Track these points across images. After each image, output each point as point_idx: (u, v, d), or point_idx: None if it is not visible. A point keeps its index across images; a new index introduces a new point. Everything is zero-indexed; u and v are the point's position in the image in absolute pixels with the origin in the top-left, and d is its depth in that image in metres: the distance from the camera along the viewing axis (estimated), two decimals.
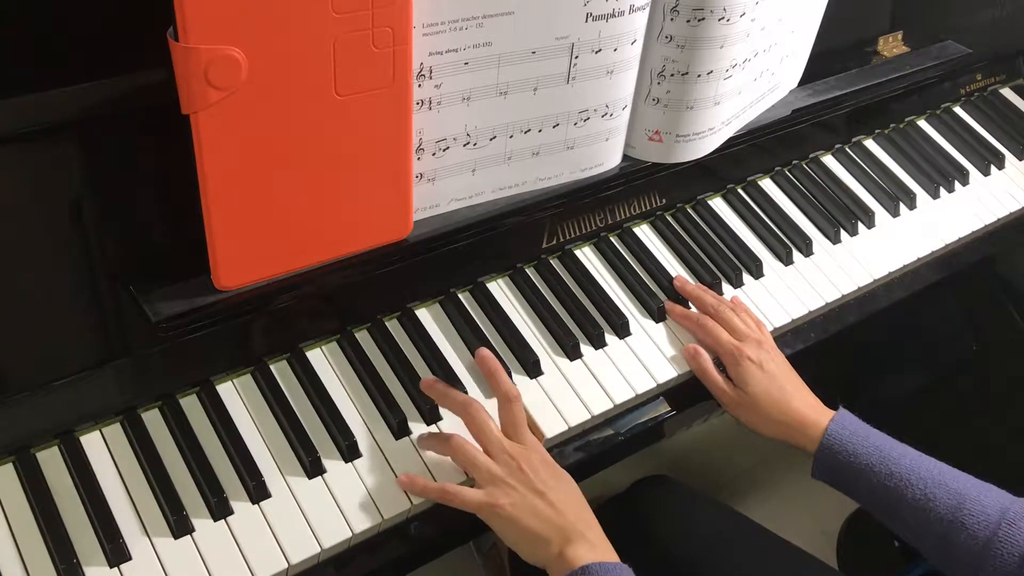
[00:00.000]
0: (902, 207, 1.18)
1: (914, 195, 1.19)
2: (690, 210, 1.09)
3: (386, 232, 0.84)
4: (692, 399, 0.95)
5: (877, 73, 1.17)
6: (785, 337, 1.02)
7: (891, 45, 1.22)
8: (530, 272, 0.97)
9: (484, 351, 0.86)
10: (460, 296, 0.93)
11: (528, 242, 0.97)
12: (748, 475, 1.62)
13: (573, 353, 0.92)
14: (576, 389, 0.90)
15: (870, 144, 1.25)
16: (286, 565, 0.74)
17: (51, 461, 0.75)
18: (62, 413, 0.76)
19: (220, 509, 0.75)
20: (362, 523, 0.77)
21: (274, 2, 0.65)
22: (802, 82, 1.12)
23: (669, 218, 1.07)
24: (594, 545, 0.75)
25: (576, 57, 0.84)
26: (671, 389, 0.94)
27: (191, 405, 0.81)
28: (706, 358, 0.93)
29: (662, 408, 0.93)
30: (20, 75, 0.66)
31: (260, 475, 0.77)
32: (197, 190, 0.71)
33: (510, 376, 0.88)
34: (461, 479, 0.80)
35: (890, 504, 0.83)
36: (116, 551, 0.71)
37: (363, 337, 0.88)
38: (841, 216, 1.13)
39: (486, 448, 0.79)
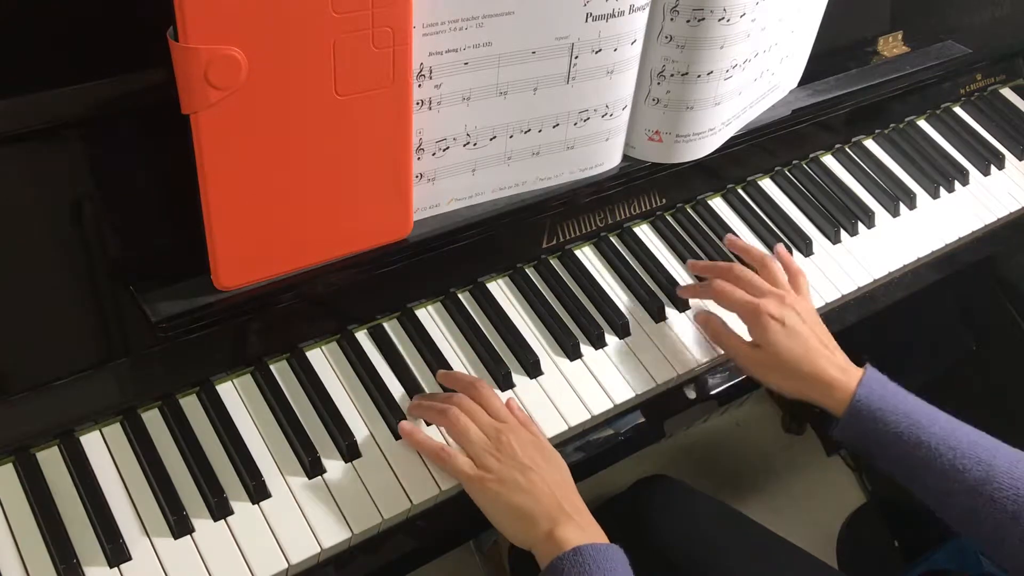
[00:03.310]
0: (902, 207, 1.18)
1: (914, 195, 1.19)
2: (690, 210, 1.09)
3: (386, 232, 0.84)
4: (693, 399, 0.95)
5: (877, 73, 1.17)
6: None
7: (891, 45, 1.22)
8: (530, 272, 0.97)
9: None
10: (460, 296, 0.93)
11: (528, 242, 0.97)
12: (748, 475, 1.62)
13: (573, 353, 0.92)
14: (576, 389, 0.90)
15: (870, 144, 1.25)
16: (286, 565, 0.74)
17: (51, 461, 0.75)
18: (62, 413, 0.76)
19: (220, 509, 0.75)
20: (362, 523, 0.77)
21: (274, 2, 0.65)
22: (802, 82, 1.12)
23: (669, 218, 1.07)
24: (583, 528, 0.74)
25: (576, 57, 0.84)
26: (671, 389, 0.94)
27: (191, 405, 0.81)
28: (718, 319, 0.92)
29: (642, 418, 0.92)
30: (20, 75, 0.66)
31: (260, 475, 0.77)
32: (197, 190, 0.71)
33: (509, 375, 0.88)
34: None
35: (916, 472, 0.81)
36: (116, 551, 0.71)
37: (363, 337, 0.88)
38: (841, 216, 1.13)
39: (479, 426, 0.80)
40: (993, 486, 0.77)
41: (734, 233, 1.07)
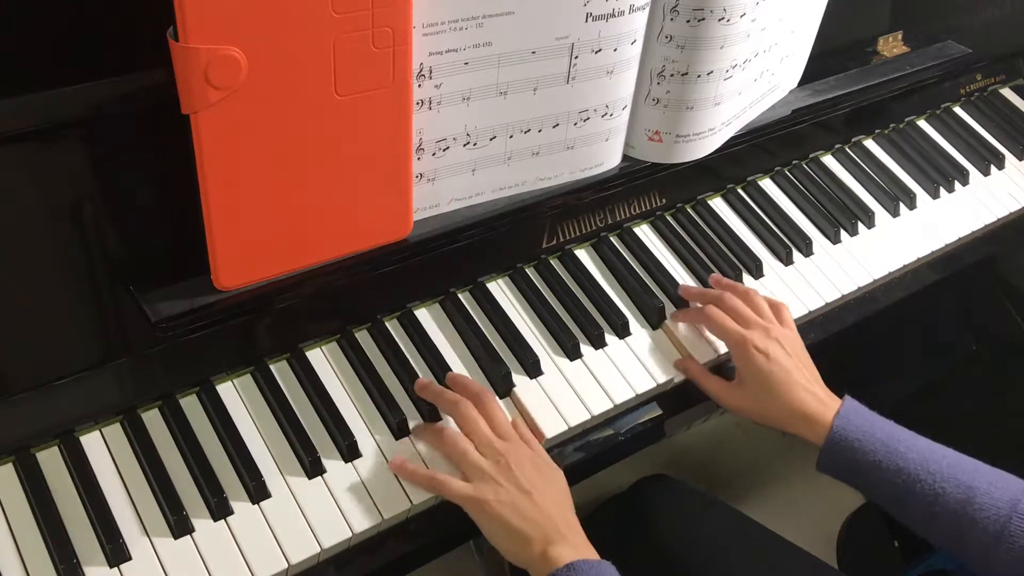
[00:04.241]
0: (902, 207, 1.18)
1: (914, 195, 1.19)
2: (690, 210, 1.09)
3: (386, 232, 0.84)
4: (693, 399, 0.95)
5: (877, 73, 1.17)
6: None
7: (891, 45, 1.22)
8: (530, 272, 0.97)
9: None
10: (460, 296, 0.93)
11: (528, 242, 0.97)
12: (748, 475, 1.62)
13: (573, 353, 0.92)
14: (576, 389, 0.90)
15: (870, 144, 1.25)
16: (286, 565, 0.74)
17: (51, 461, 0.75)
18: (62, 413, 0.76)
19: (220, 509, 0.75)
20: (362, 523, 0.77)
21: (274, 2, 0.65)
22: (802, 82, 1.13)
23: (669, 218, 1.07)
24: (576, 547, 0.75)
25: (576, 57, 0.84)
26: (672, 389, 0.94)
27: (191, 405, 0.81)
28: (696, 365, 0.93)
29: (660, 411, 0.93)
30: (20, 75, 0.66)
31: (260, 475, 0.77)
32: (197, 190, 0.71)
33: (509, 375, 0.88)
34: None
35: (898, 499, 0.82)
36: (116, 551, 0.71)
37: (363, 337, 0.88)
38: (841, 216, 1.13)
39: (476, 445, 0.80)
40: (974, 507, 0.78)
41: (733, 234, 1.07)
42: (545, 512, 0.76)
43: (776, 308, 0.96)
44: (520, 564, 0.76)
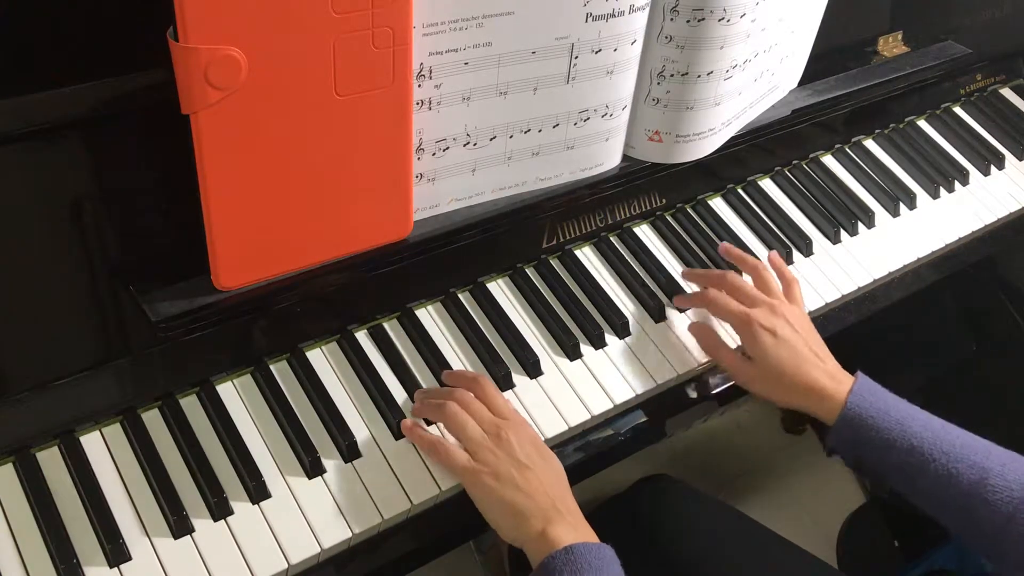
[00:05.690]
0: (902, 207, 1.18)
1: (914, 195, 1.19)
2: (690, 210, 1.09)
3: (386, 232, 0.84)
4: (693, 399, 0.95)
5: (877, 73, 1.17)
6: None
7: (891, 45, 1.22)
8: (530, 272, 0.97)
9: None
10: (460, 296, 0.93)
11: (528, 242, 0.97)
12: (748, 475, 1.62)
13: (573, 353, 0.92)
14: (576, 389, 0.90)
15: (870, 144, 1.25)
16: (286, 565, 0.74)
17: (51, 461, 0.75)
18: (62, 413, 0.76)
19: (220, 509, 0.75)
20: (362, 523, 0.77)
21: (274, 2, 0.65)
22: (802, 82, 1.13)
23: (669, 218, 1.07)
24: (575, 527, 0.74)
25: (576, 57, 0.84)
26: (671, 389, 0.94)
27: (191, 405, 0.81)
28: (711, 331, 0.92)
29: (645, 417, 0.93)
30: (20, 75, 0.66)
31: (260, 475, 0.77)
32: (197, 190, 0.71)
33: (509, 375, 0.88)
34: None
35: (910, 477, 0.81)
36: (116, 551, 0.71)
37: (363, 337, 0.88)
38: (841, 216, 1.13)
39: (477, 423, 0.80)
40: (987, 488, 0.77)
41: (733, 234, 1.07)
42: (543, 488, 0.75)
43: (787, 284, 0.95)
44: (518, 543, 0.76)
